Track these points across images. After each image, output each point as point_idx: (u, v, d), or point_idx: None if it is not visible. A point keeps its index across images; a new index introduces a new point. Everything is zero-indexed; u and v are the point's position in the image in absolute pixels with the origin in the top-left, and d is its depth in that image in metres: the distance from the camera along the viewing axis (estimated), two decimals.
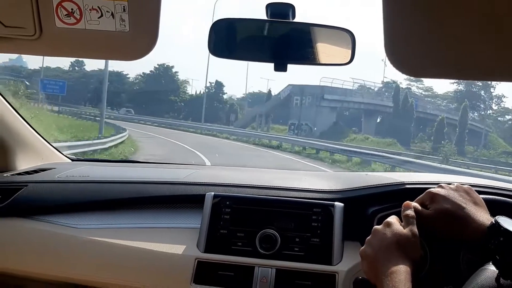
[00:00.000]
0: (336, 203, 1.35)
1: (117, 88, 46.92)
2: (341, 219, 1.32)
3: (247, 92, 61.62)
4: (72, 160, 2.02)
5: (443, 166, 15.20)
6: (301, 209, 1.34)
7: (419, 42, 0.82)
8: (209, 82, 48.09)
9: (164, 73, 49.50)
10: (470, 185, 1.02)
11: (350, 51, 1.06)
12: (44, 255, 1.35)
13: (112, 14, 0.87)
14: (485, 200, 0.99)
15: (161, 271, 1.29)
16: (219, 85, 49.30)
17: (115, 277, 1.31)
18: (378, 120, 40.27)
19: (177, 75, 50.57)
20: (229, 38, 1.09)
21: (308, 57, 1.09)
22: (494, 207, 0.97)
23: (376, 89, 45.17)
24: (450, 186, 0.98)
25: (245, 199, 1.38)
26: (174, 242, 1.33)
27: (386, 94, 42.72)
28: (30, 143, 1.82)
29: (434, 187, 1.01)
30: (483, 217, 0.90)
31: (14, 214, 1.43)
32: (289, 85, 40.46)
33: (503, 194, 1.26)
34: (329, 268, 1.26)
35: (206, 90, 45.60)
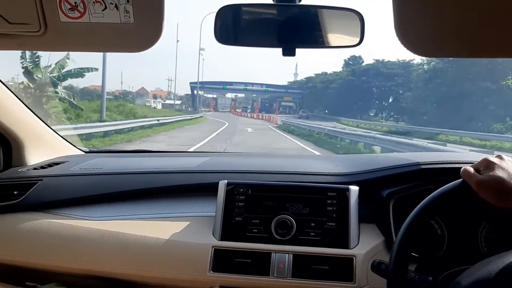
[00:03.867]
0: (351, 186, 1.34)
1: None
2: (356, 202, 1.32)
3: None
4: (85, 152, 2.04)
5: None
6: (315, 194, 1.34)
7: (429, 21, 0.80)
8: None
9: None
10: None
11: (359, 32, 1.04)
12: (62, 248, 1.36)
13: (116, 6, 0.86)
14: None
15: (179, 260, 1.29)
16: None
17: (134, 268, 1.32)
18: None
19: None
20: (235, 25, 1.07)
21: (316, 40, 1.06)
22: None
23: None
24: (509, 158, 0.97)
25: (259, 186, 1.37)
26: (190, 231, 1.33)
27: None
28: (43, 137, 1.83)
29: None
30: None
31: (30, 208, 1.45)
32: None
33: None
34: (346, 251, 1.26)
35: None
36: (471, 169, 0.96)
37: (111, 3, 0.85)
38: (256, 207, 1.33)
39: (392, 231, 1.26)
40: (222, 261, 1.27)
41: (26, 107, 1.69)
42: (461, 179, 0.96)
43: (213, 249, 1.28)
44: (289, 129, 26.02)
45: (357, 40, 1.05)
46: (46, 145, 1.84)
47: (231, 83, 70.32)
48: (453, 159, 1.36)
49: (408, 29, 0.83)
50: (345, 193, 1.33)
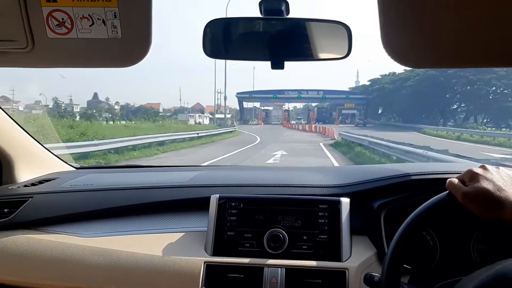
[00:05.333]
0: (342, 198, 1.34)
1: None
2: (348, 214, 1.31)
3: None
4: (76, 168, 2.03)
5: None
6: (307, 206, 1.33)
7: (416, 32, 0.79)
8: None
9: None
10: None
11: (347, 45, 1.05)
12: (52, 266, 1.35)
13: (103, 21, 0.87)
14: None
15: (171, 276, 1.28)
16: None
17: (125, 285, 1.30)
18: None
19: None
20: (223, 38, 1.08)
21: (305, 53, 1.07)
22: None
23: None
24: (493, 168, 0.97)
25: (250, 199, 1.37)
26: (182, 247, 1.32)
27: None
28: (33, 154, 1.82)
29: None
30: None
31: (21, 226, 1.44)
32: None
33: None
34: (339, 264, 1.25)
35: None
36: (456, 181, 0.96)
37: (98, 19, 0.86)
38: (248, 221, 1.33)
39: (384, 243, 1.25)
40: (214, 276, 1.26)
41: (16, 123, 1.69)
42: (447, 191, 0.97)
43: (205, 264, 1.27)
44: (352, 152, 16.52)
45: (345, 52, 1.05)
46: (36, 161, 1.83)
47: (282, 91, 62.65)
48: (443, 169, 1.37)
49: (395, 40, 0.83)
50: (336, 205, 1.32)
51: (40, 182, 1.69)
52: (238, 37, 1.09)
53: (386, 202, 1.31)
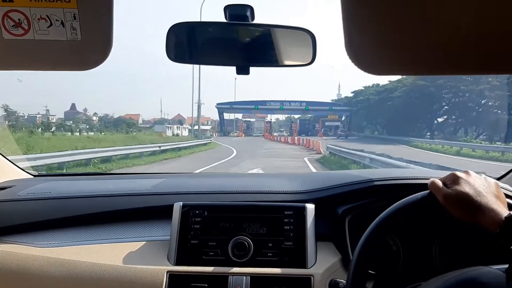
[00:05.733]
0: (307, 204, 1.34)
1: None
2: (313, 221, 1.31)
3: None
4: (34, 175, 1.95)
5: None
6: (272, 213, 1.33)
7: (380, 40, 0.81)
8: None
9: None
10: None
11: (311, 51, 1.05)
12: (8, 278, 1.29)
13: (62, 22, 0.84)
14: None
15: (133, 287, 1.24)
16: None
17: None
18: None
19: None
20: (188, 42, 1.07)
21: (269, 59, 1.08)
22: None
23: None
24: (475, 174, 1.00)
25: (214, 207, 1.35)
26: (144, 256, 1.29)
27: None
28: None
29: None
30: (502, 209, 0.90)
31: None
32: None
33: None
34: (304, 271, 1.25)
35: None
36: (439, 182, 0.98)
37: (56, 20, 0.83)
38: (213, 229, 1.31)
39: (348, 249, 1.26)
40: (177, 286, 1.24)
41: None
42: (428, 191, 0.98)
43: (167, 274, 1.24)
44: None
45: (309, 58, 1.06)
46: None
47: (264, 102, 59.30)
48: (405, 175, 1.39)
49: (359, 48, 0.83)
50: (301, 212, 1.32)
51: None
52: (203, 42, 1.09)
53: (350, 208, 1.31)
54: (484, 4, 0.69)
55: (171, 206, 1.36)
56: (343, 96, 74.71)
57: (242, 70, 1.06)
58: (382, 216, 1.00)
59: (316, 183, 1.48)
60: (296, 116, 68.53)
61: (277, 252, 1.27)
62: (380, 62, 0.86)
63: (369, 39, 0.81)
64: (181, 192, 1.48)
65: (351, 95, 59.12)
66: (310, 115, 65.05)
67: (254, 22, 1.04)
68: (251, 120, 66.26)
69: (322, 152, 22.02)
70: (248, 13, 1.02)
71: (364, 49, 0.82)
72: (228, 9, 1.02)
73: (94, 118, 67.48)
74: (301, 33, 1.06)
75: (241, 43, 1.06)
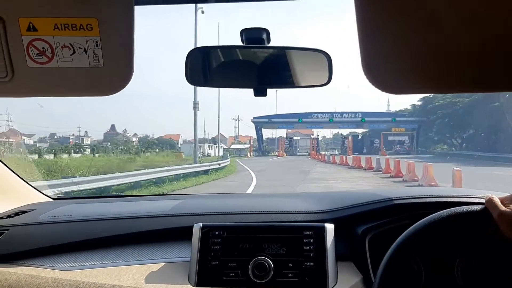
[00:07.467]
0: (326, 224, 1.33)
1: None
2: (333, 240, 1.30)
3: None
4: (53, 199, 1.98)
5: None
6: (292, 233, 1.32)
7: (396, 59, 0.80)
8: None
9: None
10: None
11: (327, 72, 1.06)
12: None
13: (85, 50, 0.86)
14: None
15: None
16: None
17: None
18: None
19: None
20: (206, 66, 1.09)
21: (286, 80, 1.09)
22: None
23: None
24: None
25: (234, 228, 1.35)
26: (164, 278, 1.29)
27: None
28: (9, 184, 1.78)
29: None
30: None
31: None
32: None
33: None
34: None
35: None
36: (497, 200, 0.97)
37: (79, 48, 0.85)
38: (233, 249, 1.31)
39: (369, 269, 1.24)
40: None
41: None
42: (483, 206, 0.98)
43: None
44: None
45: (325, 79, 1.06)
46: (12, 192, 1.78)
47: (309, 114, 50.14)
48: (423, 194, 1.38)
49: (375, 68, 0.83)
50: (321, 232, 1.31)
51: (16, 214, 1.64)
52: (220, 65, 1.11)
53: (370, 227, 1.30)
54: (505, 23, 0.70)
55: (191, 228, 1.36)
56: (393, 109, 64.87)
57: (259, 92, 1.07)
58: (422, 225, 0.98)
59: (334, 202, 1.47)
60: (345, 133, 59.66)
61: (297, 273, 1.26)
62: (397, 81, 0.86)
63: (385, 58, 0.81)
64: (199, 213, 1.49)
65: (419, 102, 47.71)
66: (364, 130, 55.59)
67: (270, 44, 1.05)
68: (295, 138, 58.40)
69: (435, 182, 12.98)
70: (264, 36, 1.04)
71: (380, 68, 0.83)
72: (244, 32, 1.04)
73: (134, 139, 66.24)
74: (317, 54, 1.07)
75: (258, 65, 1.07)
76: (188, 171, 18.58)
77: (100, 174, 14.61)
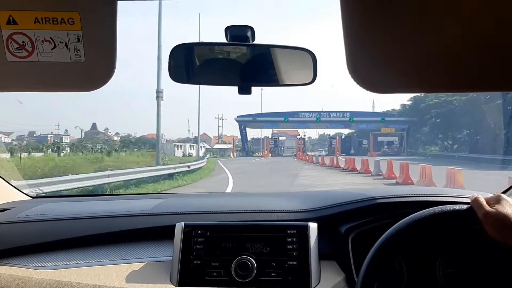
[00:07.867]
0: (310, 223, 1.33)
1: None
2: (316, 239, 1.30)
3: None
4: (33, 197, 1.93)
5: None
6: (275, 232, 1.31)
7: (381, 58, 0.80)
8: None
9: None
10: None
11: (312, 71, 1.06)
12: None
13: (66, 44, 0.85)
14: None
15: None
16: None
17: None
18: None
19: None
20: (190, 63, 1.08)
21: (271, 78, 1.09)
22: None
23: None
24: None
25: (217, 227, 1.34)
26: (146, 278, 1.28)
27: None
28: None
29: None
30: None
31: None
32: None
33: None
34: None
35: None
36: (483, 200, 0.99)
37: (60, 42, 0.84)
38: (215, 249, 1.30)
39: (352, 268, 1.25)
40: None
41: None
42: (468, 206, 0.99)
43: None
44: None
45: (310, 78, 1.06)
46: None
47: (296, 113, 48.00)
48: (406, 193, 1.39)
49: (360, 67, 0.83)
50: (304, 231, 1.31)
51: None
52: (204, 63, 1.10)
53: (353, 226, 1.31)
54: (487, 23, 0.70)
55: (173, 227, 1.35)
56: (378, 110, 63.27)
57: (244, 90, 1.06)
58: (405, 223, 0.98)
59: (318, 201, 1.47)
60: (331, 134, 56.89)
61: (280, 272, 1.26)
62: (382, 80, 0.86)
63: (370, 57, 0.82)
64: (182, 212, 1.47)
65: (409, 102, 46.11)
66: (351, 131, 53.98)
67: (255, 42, 1.05)
68: (280, 138, 55.31)
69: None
70: (249, 34, 1.03)
71: (366, 67, 0.83)
72: (229, 30, 1.03)
73: (116, 138, 64.18)
74: (302, 53, 1.07)
75: (242, 63, 1.07)
76: (145, 175, 15.55)
77: (52, 177, 12.64)
